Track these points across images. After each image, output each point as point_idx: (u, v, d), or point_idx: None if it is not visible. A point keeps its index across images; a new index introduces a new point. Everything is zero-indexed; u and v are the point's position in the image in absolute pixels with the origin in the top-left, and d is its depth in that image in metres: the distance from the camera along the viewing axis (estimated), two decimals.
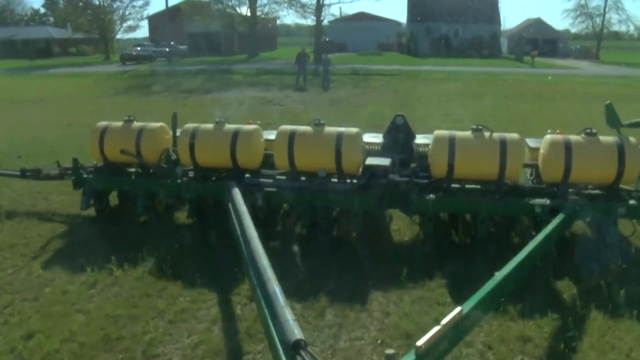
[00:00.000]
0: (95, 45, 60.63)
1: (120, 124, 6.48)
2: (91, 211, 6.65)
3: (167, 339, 4.04)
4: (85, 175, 6.49)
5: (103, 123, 6.55)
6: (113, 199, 6.89)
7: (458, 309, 2.95)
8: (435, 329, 2.74)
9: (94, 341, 4.00)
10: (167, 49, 48.15)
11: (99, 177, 6.49)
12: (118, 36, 60.59)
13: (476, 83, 26.04)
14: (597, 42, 59.59)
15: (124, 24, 58.74)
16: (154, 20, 61.45)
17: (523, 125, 13.42)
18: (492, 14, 59.13)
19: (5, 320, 4.29)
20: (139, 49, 48.04)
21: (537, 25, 62.43)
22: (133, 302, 4.56)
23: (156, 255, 5.42)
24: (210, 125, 6.16)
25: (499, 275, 3.59)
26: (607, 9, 59.68)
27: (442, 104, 17.64)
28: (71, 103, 20.06)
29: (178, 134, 6.32)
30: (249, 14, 48.33)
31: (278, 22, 64.95)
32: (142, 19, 61.40)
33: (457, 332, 2.99)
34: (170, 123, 6.72)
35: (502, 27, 65.24)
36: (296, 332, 2.73)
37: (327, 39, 51.39)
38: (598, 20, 60.53)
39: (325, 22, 50.58)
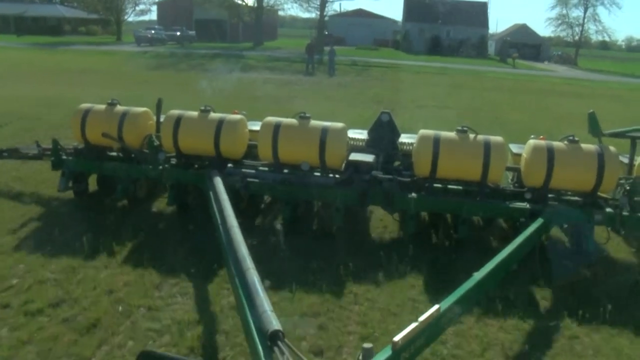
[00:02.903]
0: (103, 26, 58.89)
1: (103, 106, 5.98)
2: (69, 194, 6.11)
3: (146, 328, 3.68)
4: (64, 157, 6.00)
5: (86, 105, 6.05)
6: (92, 182, 6.36)
7: (436, 306, 2.85)
8: (412, 325, 2.63)
9: (69, 331, 3.61)
10: (178, 33, 47.16)
11: (78, 159, 5.99)
12: (130, 19, 59.02)
13: (461, 77, 27.59)
14: (575, 49, 59.78)
15: (136, 7, 57.37)
16: (163, 4, 60.13)
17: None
18: (481, 19, 58.97)
19: None
20: (153, 31, 46.87)
21: (522, 30, 62.04)
22: (110, 290, 4.16)
23: (134, 242, 5.00)
24: (194, 113, 5.71)
25: (478, 275, 3.49)
26: (586, 20, 60.33)
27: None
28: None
29: (162, 120, 5.84)
30: (255, 4, 47.48)
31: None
32: (153, 3, 60.18)
33: (434, 329, 2.89)
34: (155, 109, 6.22)
35: (492, 31, 65.21)
36: (274, 323, 2.53)
37: (327, 32, 50.56)
38: (578, 29, 60.80)
39: (325, 17, 49.64)
